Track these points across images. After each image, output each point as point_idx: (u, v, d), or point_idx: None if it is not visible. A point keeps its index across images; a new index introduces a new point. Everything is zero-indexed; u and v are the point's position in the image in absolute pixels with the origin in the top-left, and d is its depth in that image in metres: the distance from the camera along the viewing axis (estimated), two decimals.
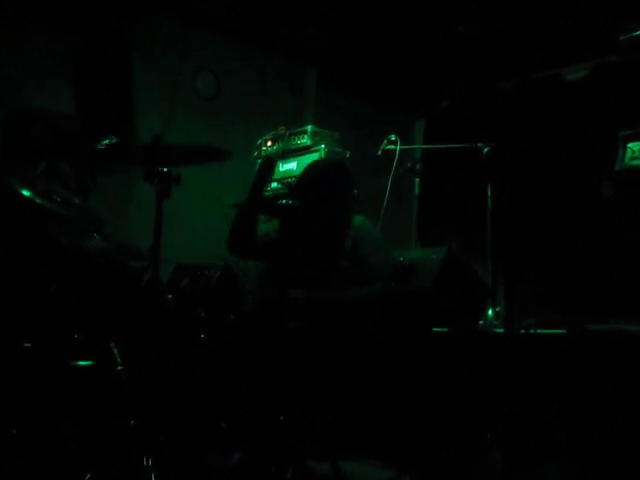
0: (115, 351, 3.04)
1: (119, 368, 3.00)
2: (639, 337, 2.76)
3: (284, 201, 3.52)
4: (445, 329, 4.00)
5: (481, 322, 4.16)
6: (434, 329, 4.02)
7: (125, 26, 4.58)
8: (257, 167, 4.10)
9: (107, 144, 2.94)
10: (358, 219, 3.85)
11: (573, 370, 2.75)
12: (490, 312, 4.17)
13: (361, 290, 3.62)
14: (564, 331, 3.30)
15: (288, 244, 3.70)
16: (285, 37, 6.04)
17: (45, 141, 3.84)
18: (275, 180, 5.23)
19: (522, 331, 3.49)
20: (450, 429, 3.29)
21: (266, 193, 5.26)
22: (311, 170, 4.01)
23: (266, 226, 3.97)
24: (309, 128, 5.14)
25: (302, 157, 5.06)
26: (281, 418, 3.10)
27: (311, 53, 6.36)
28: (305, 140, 5.12)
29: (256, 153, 5.41)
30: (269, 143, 5.33)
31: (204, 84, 6.05)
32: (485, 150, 4.43)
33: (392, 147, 4.78)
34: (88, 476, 2.68)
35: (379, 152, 4.81)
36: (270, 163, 4.00)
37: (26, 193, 3.12)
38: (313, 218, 3.70)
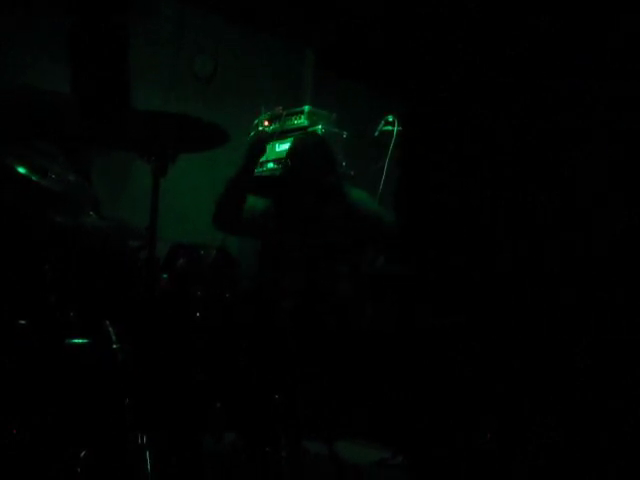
0: (110, 329, 3.03)
1: (114, 346, 2.99)
2: None
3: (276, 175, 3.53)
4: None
5: None
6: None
7: (122, 6, 4.54)
8: (248, 146, 4.08)
9: None
10: (355, 193, 3.86)
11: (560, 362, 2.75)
12: None
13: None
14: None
15: (281, 222, 3.70)
16: (282, 18, 6.01)
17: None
18: (271, 160, 5.22)
19: None
20: (442, 412, 3.31)
21: (263, 173, 5.27)
22: (291, 149, 4.04)
23: (253, 199, 3.98)
24: (306, 108, 5.13)
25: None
26: (276, 398, 3.11)
27: (309, 34, 6.33)
28: (302, 120, 5.10)
29: (253, 133, 5.40)
30: (266, 123, 5.32)
31: (202, 65, 6.02)
32: None
33: (389, 128, 4.76)
34: (83, 453, 2.68)
35: (376, 133, 4.80)
36: (261, 143, 4.00)
37: (21, 170, 3.11)
38: (302, 192, 3.70)
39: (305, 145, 4.07)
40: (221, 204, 3.89)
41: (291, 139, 5.07)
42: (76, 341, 2.96)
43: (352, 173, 4.78)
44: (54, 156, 3.43)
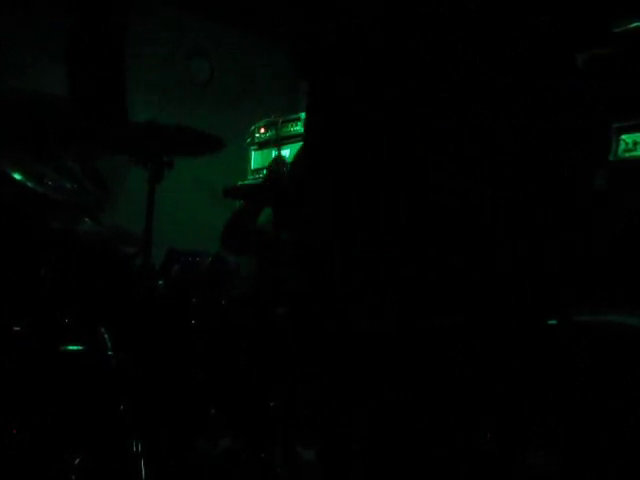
0: (105, 336, 3.03)
1: (109, 353, 2.99)
2: (631, 329, 2.75)
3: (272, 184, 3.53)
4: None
5: None
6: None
7: (119, 9, 4.54)
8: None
9: None
10: None
11: (561, 362, 2.75)
12: None
13: None
14: (554, 322, 3.30)
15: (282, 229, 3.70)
16: (280, 23, 6.02)
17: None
18: (267, 168, 5.22)
19: None
20: (434, 417, 3.30)
21: (257, 181, 5.27)
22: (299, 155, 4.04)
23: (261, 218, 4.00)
24: (303, 115, 5.14)
25: (296, 144, 5.04)
26: (271, 404, 3.10)
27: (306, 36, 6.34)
28: (299, 127, 5.11)
29: (249, 140, 5.41)
30: (262, 130, 5.33)
31: (198, 70, 6.03)
32: None
33: None
34: (77, 461, 2.67)
35: None
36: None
37: (17, 176, 3.11)
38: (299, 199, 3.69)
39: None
40: (230, 231, 3.91)
41: (287, 146, 5.09)
42: (71, 347, 2.95)
43: None
44: (73, 170, 3.44)
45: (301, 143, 4.87)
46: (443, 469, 2.02)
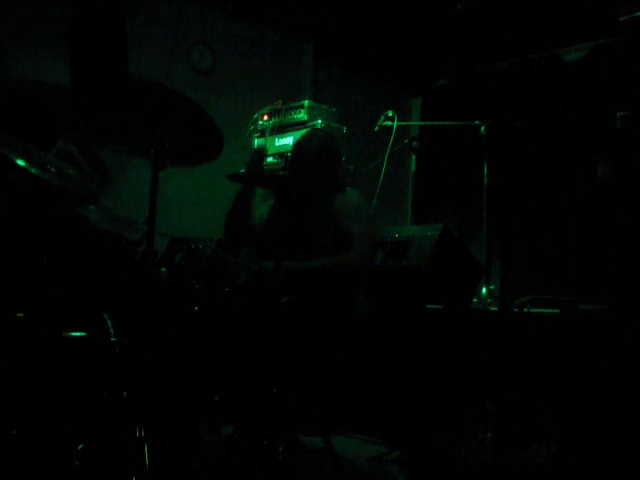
0: (108, 322, 3.03)
1: (112, 339, 2.99)
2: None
3: (280, 173, 3.53)
4: (439, 307, 4.02)
5: (475, 300, 4.17)
6: (428, 306, 4.04)
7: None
8: (247, 161, 4.07)
9: None
10: (348, 191, 3.84)
11: (564, 350, 2.76)
12: (484, 290, 4.19)
13: (329, 260, 3.64)
14: (558, 311, 3.31)
15: (282, 217, 3.70)
16: (282, 11, 6.00)
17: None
18: (271, 155, 5.21)
19: (516, 310, 3.50)
20: (439, 406, 3.32)
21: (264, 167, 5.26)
22: (299, 143, 4.02)
23: (263, 207, 4.00)
24: (306, 103, 5.12)
25: (298, 132, 5.02)
26: (274, 392, 3.11)
27: (308, 27, 6.33)
28: (302, 115, 5.10)
29: (252, 127, 5.39)
30: (265, 117, 5.32)
31: (200, 58, 6.01)
32: (482, 128, 4.42)
33: (389, 123, 4.78)
34: (80, 447, 2.68)
35: (376, 128, 4.81)
36: (258, 157, 4.04)
37: (21, 162, 3.11)
38: (303, 188, 3.68)
39: (312, 140, 4.04)
40: (230, 220, 3.93)
41: (290, 134, 5.07)
42: (74, 334, 2.96)
43: (352, 168, 4.78)
44: (72, 155, 3.44)
45: (305, 131, 4.87)
46: (442, 467, 2.03)
